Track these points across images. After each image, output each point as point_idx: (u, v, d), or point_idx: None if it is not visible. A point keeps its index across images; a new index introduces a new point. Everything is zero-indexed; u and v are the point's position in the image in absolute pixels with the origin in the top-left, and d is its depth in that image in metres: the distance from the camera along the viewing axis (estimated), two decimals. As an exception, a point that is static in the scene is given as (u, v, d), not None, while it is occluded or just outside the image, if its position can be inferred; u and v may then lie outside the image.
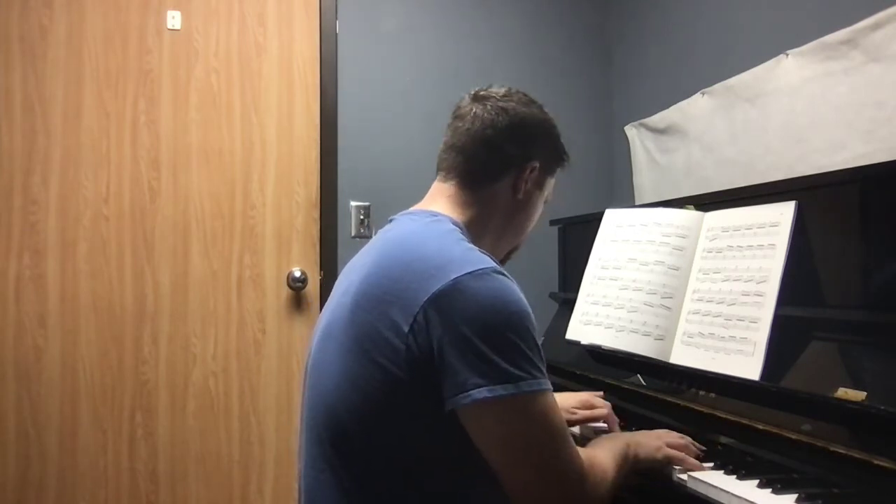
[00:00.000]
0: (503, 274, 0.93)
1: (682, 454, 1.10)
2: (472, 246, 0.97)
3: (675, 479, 1.08)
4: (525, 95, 1.13)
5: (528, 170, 1.09)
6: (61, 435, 2.19)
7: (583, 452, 0.95)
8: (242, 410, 2.33)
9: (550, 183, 1.17)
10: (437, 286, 0.88)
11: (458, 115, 1.11)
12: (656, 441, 1.12)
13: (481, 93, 1.11)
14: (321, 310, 1.12)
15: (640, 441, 1.11)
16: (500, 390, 0.85)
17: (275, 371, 2.36)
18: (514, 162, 1.08)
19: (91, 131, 2.25)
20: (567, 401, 1.36)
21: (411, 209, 1.10)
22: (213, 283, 2.32)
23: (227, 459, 2.31)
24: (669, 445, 1.11)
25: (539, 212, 1.17)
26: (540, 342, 0.93)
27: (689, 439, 1.15)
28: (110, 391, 2.23)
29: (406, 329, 0.88)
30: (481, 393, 0.85)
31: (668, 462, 1.10)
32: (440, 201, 1.08)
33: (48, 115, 2.22)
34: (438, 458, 0.93)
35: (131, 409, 2.25)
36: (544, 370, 0.91)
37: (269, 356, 2.36)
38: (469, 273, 0.89)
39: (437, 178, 1.12)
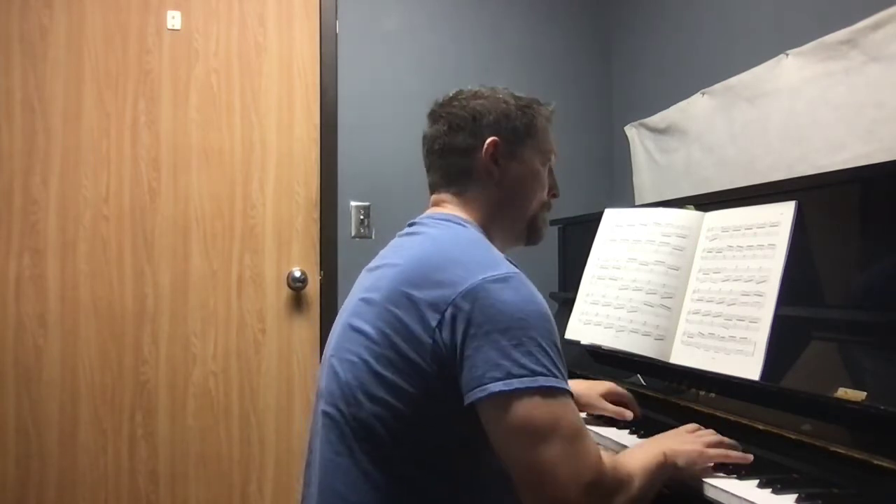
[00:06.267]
0: (528, 281, 0.96)
1: (725, 451, 1.06)
2: (500, 253, 1.02)
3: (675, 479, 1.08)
4: (466, 91, 1.15)
5: (488, 150, 1.10)
6: (61, 435, 2.19)
7: (609, 457, 0.94)
8: (242, 410, 2.33)
9: (533, 143, 1.13)
10: (465, 285, 0.92)
11: (423, 141, 1.17)
12: (693, 446, 1.06)
13: (430, 112, 1.17)
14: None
15: (676, 449, 1.04)
16: (515, 383, 0.87)
17: (275, 371, 2.36)
18: (471, 151, 1.11)
19: (91, 131, 2.25)
20: (595, 388, 1.38)
21: (432, 213, 1.12)
22: (213, 283, 2.32)
23: (227, 459, 2.31)
24: (707, 445, 1.07)
25: (535, 177, 1.14)
26: None
27: (728, 440, 1.10)
28: (110, 391, 2.23)
29: (434, 324, 0.92)
30: (497, 386, 0.87)
31: (713, 462, 1.05)
32: (448, 207, 1.12)
33: (48, 115, 2.22)
34: (461, 447, 0.96)
35: (131, 409, 2.25)
36: (564, 373, 0.92)
37: (269, 356, 2.36)
38: (496, 275, 0.93)
39: (433, 194, 1.17)
